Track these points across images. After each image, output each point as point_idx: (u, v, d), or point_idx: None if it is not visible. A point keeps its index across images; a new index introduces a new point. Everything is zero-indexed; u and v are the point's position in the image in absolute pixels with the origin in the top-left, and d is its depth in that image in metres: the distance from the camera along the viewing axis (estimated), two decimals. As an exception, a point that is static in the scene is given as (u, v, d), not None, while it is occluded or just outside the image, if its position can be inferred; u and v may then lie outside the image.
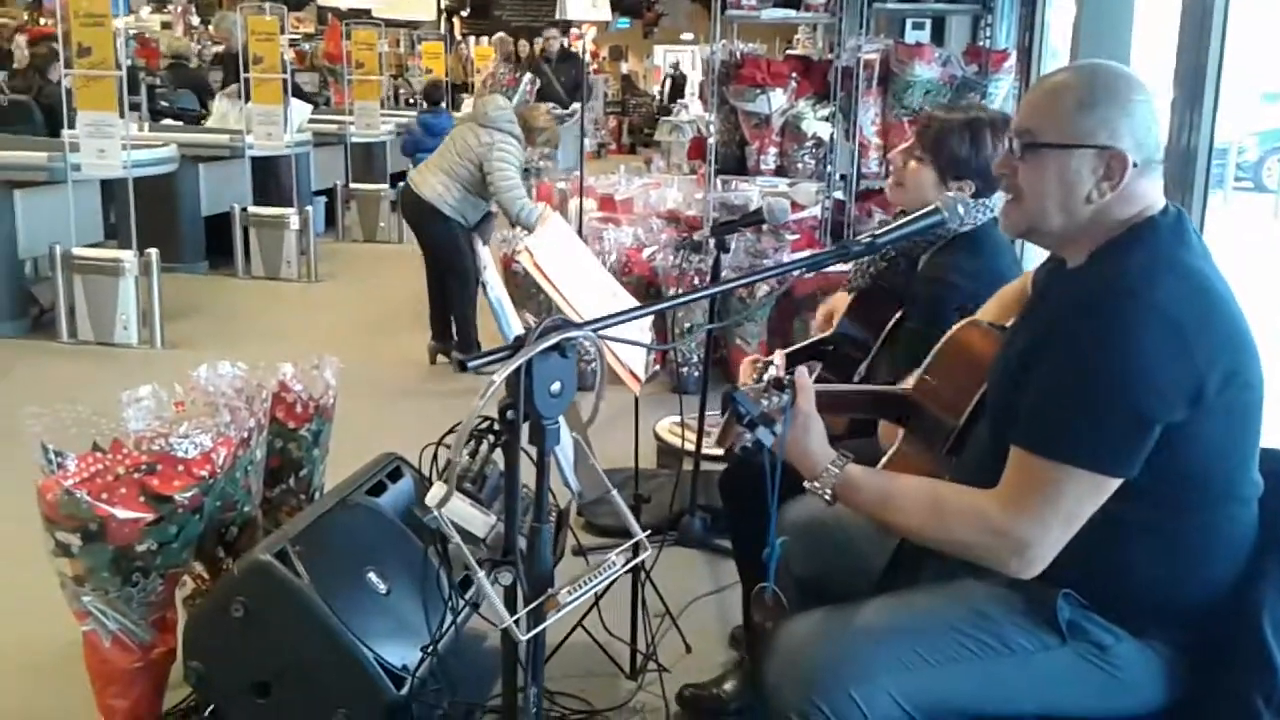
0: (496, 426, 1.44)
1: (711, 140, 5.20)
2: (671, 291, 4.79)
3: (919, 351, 1.88)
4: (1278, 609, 1.50)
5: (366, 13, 13.78)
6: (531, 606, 1.46)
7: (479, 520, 1.49)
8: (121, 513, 2.07)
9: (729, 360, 4.91)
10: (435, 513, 1.44)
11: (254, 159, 7.51)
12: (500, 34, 13.65)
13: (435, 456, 1.56)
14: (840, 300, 2.53)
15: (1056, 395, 1.44)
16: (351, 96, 9.27)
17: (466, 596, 1.92)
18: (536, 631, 1.47)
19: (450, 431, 1.50)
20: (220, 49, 10.91)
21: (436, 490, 1.46)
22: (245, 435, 2.29)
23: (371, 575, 2.25)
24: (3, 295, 5.73)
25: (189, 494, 2.14)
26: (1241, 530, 1.53)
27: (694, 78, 17.18)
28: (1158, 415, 1.40)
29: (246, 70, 7.39)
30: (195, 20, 14.56)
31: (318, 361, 2.68)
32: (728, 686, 2.49)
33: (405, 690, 2.08)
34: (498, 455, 1.49)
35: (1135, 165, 1.46)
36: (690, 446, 3.35)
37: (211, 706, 2.20)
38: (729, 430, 1.55)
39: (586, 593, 1.50)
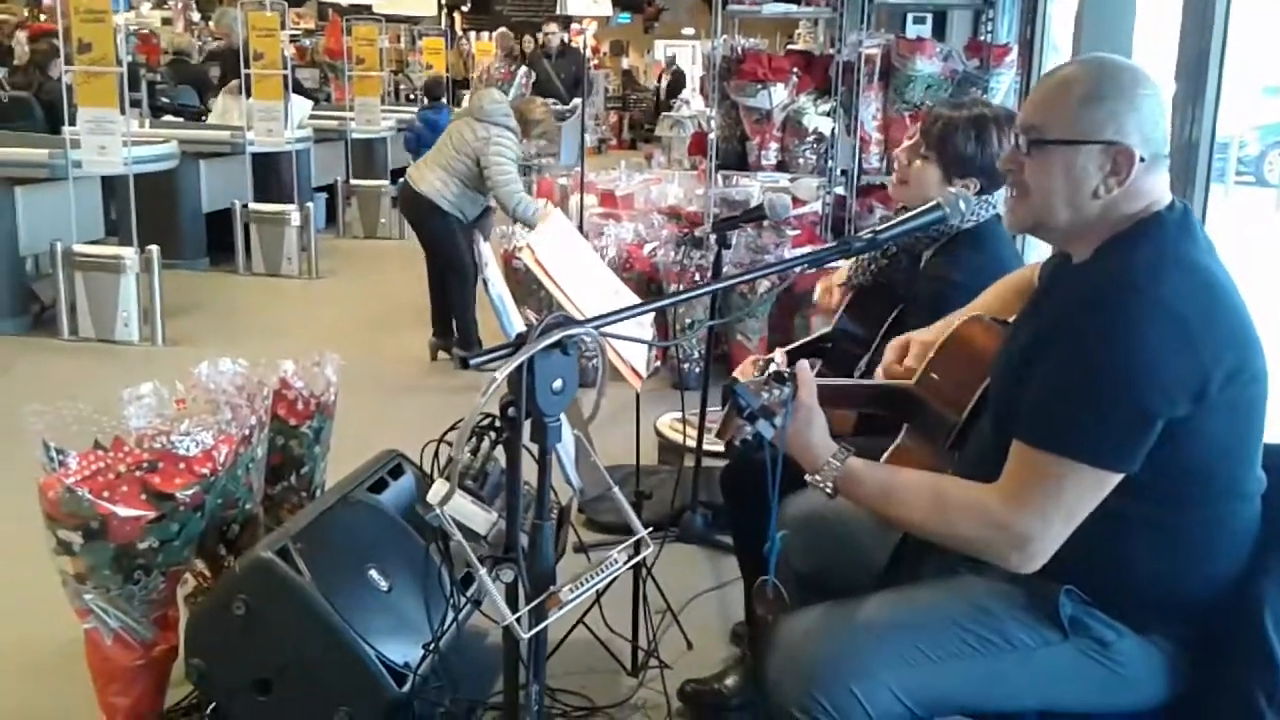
0: (498, 423, 1.44)
1: (712, 135, 5.19)
2: (672, 287, 4.79)
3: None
4: (1279, 605, 1.50)
5: (367, 8, 13.78)
6: (533, 604, 1.46)
7: (480, 517, 1.49)
8: (123, 510, 2.07)
9: (730, 356, 4.90)
10: (437, 510, 1.44)
11: (255, 155, 7.49)
12: (502, 29, 13.63)
13: (437, 454, 1.56)
14: (839, 275, 2.52)
15: (1060, 390, 1.44)
16: (352, 92, 9.26)
17: (468, 594, 1.92)
18: (538, 629, 1.47)
19: (452, 428, 1.50)
20: (215, 45, 10.89)
21: (438, 487, 1.46)
22: (246, 432, 2.29)
23: (373, 572, 2.25)
24: (3, 292, 5.72)
25: (190, 491, 2.14)
26: (1244, 526, 1.52)
27: (693, 73, 17.13)
28: (1161, 411, 1.39)
29: (247, 66, 7.38)
30: (195, 16, 14.55)
31: (319, 358, 2.68)
32: (729, 682, 2.49)
33: (407, 687, 2.08)
34: (499, 452, 1.49)
35: (1142, 160, 1.46)
36: (691, 443, 3.34)
37: (213, 704, 2.21)
38: (729, 423, 1.53)
39: (588, 590, 1.50)
